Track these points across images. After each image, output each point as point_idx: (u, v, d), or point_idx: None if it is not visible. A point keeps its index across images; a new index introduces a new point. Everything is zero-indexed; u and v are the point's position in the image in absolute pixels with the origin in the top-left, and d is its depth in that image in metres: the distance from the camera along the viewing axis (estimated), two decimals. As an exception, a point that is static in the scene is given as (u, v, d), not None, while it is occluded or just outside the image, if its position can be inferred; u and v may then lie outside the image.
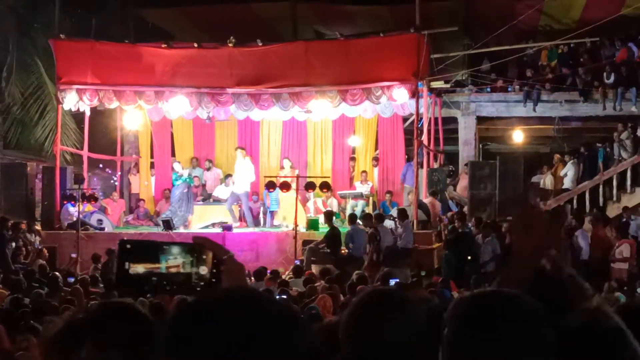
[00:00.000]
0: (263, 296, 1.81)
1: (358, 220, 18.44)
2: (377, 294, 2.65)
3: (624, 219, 18.66)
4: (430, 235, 18.76)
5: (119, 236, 20.15)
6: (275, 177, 20.81)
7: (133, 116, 22.45)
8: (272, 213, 21.48)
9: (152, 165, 24.55)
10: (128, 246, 2.22)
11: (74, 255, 18.80)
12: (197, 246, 2.25)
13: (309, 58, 20.19)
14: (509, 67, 25.08)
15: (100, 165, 25.66)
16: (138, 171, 24.81)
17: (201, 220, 21.67)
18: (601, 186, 21.94)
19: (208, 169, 23.33)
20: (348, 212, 20.56)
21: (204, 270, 2.24)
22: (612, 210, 20.81)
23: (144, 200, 23.70)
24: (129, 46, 21.41)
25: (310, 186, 20.18)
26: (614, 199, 21.72)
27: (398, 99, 19.94)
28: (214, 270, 2.24)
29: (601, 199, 21.67)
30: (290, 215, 19.89)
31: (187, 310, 1.77)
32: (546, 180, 23.04)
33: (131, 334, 2.59)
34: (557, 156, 24.03)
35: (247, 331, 1.70)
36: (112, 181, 25.40)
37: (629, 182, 21.73)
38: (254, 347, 1.68)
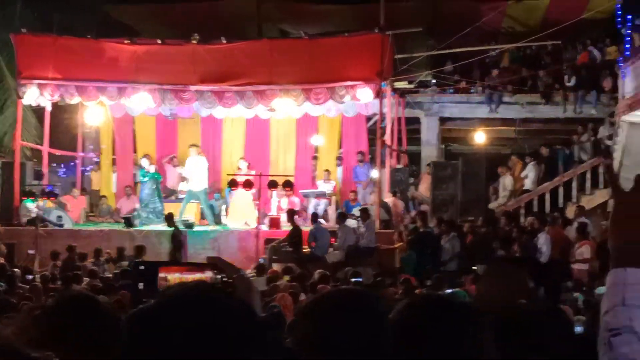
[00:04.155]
0: (213, 294, 1.82)
1: (320, 219, 18.48)
2: (341, 293, 2.61)
3: (575, 220, 18.58)
4: (392, 234, 18.85)
5: (78, 233, 20.01)
6: (238, 175, 20.79)
7: (95, 112, 22.23)
8: (227, 211, 21.45)
9: (113, 162, 24.41)
10: (142, 267, 2.29)
11: (31, 252, 18.61)
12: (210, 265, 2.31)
13: (273, 56, 20.19)
14: (472, 68, 25.26)
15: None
16: (99, 168, 24.67)
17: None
18: (561, 188, 22.17)
19: (175, 167, 23.24)
20: (310, 211, 20.59)
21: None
22: (572, 212, 21.00)
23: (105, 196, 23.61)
24: (92, 41, 21.23)
25: (272, 185, 20.17)
26: (574, 200, 21.94)
27: (362, 98, 19.99)
28: (227, 289, 2.29)
29: (561, 201, 21.89)
30: (251, 214, 20.00)
31: (137, 314, 1.80)
32: (506, 182, 23.19)
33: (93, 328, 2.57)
34: (514, 158, 24.25)
35: (197, 327, 1.70)
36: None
37: (588, 184, 21.96)
38: (204, 343, 1.69)
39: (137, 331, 1.76)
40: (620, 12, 21.62)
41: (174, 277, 2.53)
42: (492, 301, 2.44)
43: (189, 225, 20.03)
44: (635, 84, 20.30)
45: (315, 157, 23.73)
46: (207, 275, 2.41)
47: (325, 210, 21.36)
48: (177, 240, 18.50)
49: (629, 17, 21.26)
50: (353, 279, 12.68)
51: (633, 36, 21.03)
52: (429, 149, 24.89)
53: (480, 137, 26.27)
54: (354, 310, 2.40)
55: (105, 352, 2.50)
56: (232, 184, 20.12)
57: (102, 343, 2.52)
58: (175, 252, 18.14)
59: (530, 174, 22.97)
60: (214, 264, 2.36)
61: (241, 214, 20.52)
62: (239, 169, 22.07)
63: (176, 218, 20.69)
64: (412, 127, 24.41)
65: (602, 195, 21.53)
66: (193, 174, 21.24)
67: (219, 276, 2.38)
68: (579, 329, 6.99)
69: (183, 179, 22.40)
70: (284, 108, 20.83)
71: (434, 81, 25.44)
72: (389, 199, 20.11)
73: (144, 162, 21.63)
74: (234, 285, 2.32)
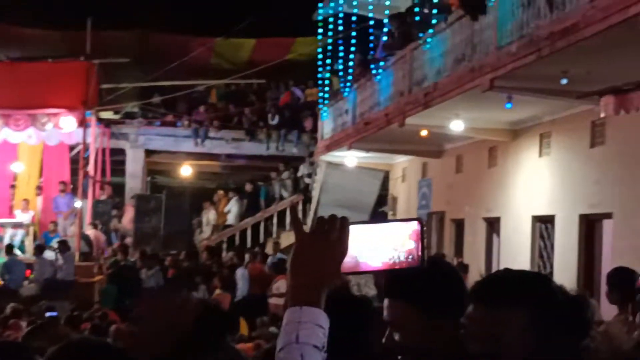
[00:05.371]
0: None
1: (15, 251, 17.77)
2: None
3: (273, 255, 19.06)
4: (92, 267, 18.46)
5: None
6: None
7: None
8: None
9: None
10: None
11: None
12: None
13: (-30, 79, 19.22)
14: (179, 102, 25.42)
15: None
16: None
17: None
18: (262, 223, 22.74)
19: None
20: (6, 241, 19.69)
21: None
22: (271, 247, 21.58)
23: None
24: None
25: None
26: (274, 236, 22.57)
27: (65, 127, 19.51)
28: None
29: (262, 236, 22.44)
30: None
31: None
32: (209, 216, 23.47)
33: None
34: (220, 192, 24.60)
35: None
36: None
37: (288, 220, 22.68)
38: None
39: None
40: (321, 57, 22.66)
41: None
42: (151, 342, 2.43)
43: None
44: (333, 125, 21.28)
45: (13, 186, 22.75)
46: None
47: (22, 241, 20.50)
48: None
49: (329, 61, 22.32)
50: (47, 314, 12.26)
51: (332, 80, 22.08)
52: (134, 181, 24.69)
53: (186, 171, 26.44)
54: None
55: None
56: None
57: None
58: None
59: (233, 209, 23.40)
60: None
61: None
62: None
63: None
64: (117, 158, 24.10)
65: (301, 232, 22.31)
66: None
67: None
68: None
69: None
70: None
71: (140, 113, 25.29)
72: (90, 231, 19.72)
73: None
74: None
